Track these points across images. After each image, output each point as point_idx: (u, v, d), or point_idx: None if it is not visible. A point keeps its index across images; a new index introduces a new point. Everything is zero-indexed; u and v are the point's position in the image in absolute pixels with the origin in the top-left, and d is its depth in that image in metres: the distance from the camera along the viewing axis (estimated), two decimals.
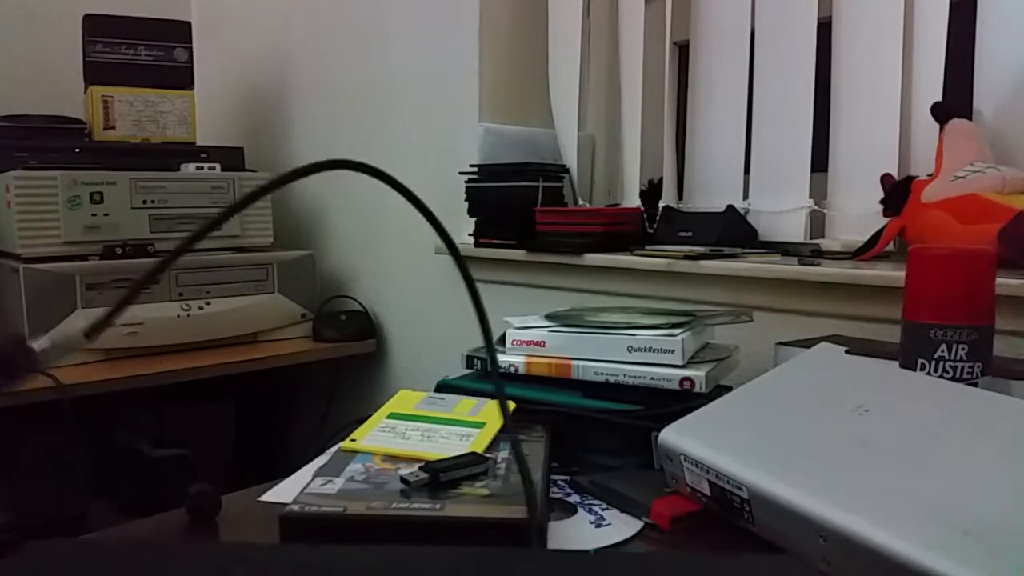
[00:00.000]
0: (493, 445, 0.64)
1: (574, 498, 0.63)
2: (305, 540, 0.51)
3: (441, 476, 0.56)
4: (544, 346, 0.78)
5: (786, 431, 0.54)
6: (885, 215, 1.00)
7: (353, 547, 0.36)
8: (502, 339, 0.82)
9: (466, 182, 1.37)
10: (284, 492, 0.65)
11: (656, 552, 0.51)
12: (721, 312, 0.85)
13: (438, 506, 0.52)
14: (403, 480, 0.56)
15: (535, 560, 0.35)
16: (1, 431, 1.59)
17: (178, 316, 1.47)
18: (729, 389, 0.69)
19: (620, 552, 0.51)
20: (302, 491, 0.55)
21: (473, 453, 0.59)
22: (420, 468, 0.56)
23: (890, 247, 1.01)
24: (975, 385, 0.60)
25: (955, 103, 0.99)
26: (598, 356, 0.75)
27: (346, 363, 1.74)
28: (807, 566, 0.36)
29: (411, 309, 1.61)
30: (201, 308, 1.49)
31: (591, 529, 0.57)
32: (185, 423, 1.94)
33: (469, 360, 0.81)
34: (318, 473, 0.58)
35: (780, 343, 0.81)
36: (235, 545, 0.36)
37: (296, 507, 0.52)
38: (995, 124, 0.98)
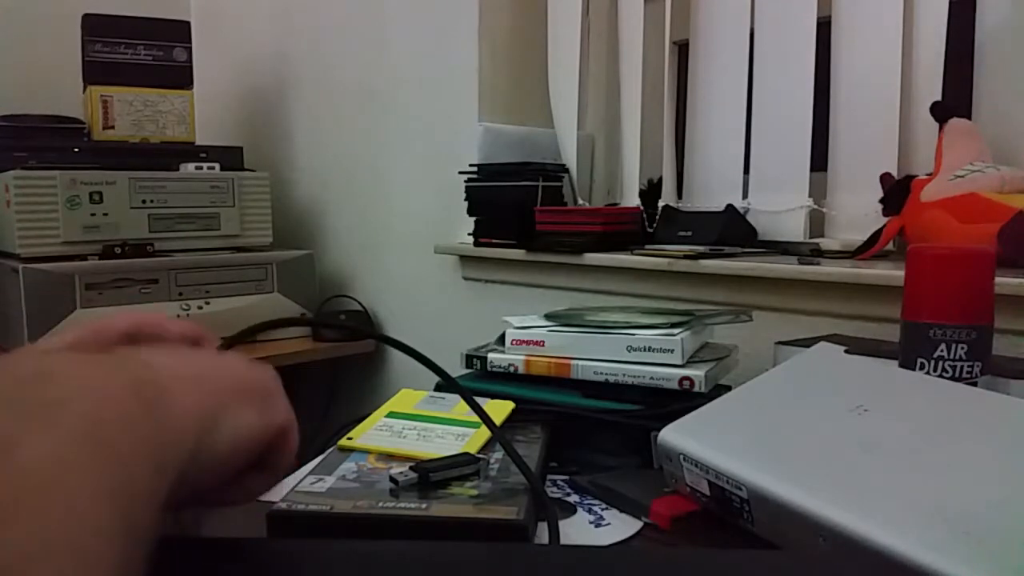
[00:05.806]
0: (488, 445, 0.63)
1: (573, 498, 0.63)
2: (291, 537, 0.51)
3: (431, 476, 0.55)
4: (543, 346, 0.78)
5: (785, 431, 0.54)
6: (884, 214, 1.00)
7: (349, 542, 0.36)
8: (501, 339, 0.82)
9: (465, 182, 1.37)
10: (282, 491, 0.65)
11: (665, 548, 0.51)
12: (721, 312, 0.85)
13: (424, 506, 0.52)
14: (392, 479, 0.56)
15: (526, 554, 0.35)
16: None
17: (177, 316, 1.47)
18: (728, 389, 0.69)
19: (626, 547, 0.51)
20: (292, 489, 0.54)
21: (466, 453, 0.59)
22: (410, 468, 0.56)
23: (889, 246, 1.01)
24: (974, 384, 0.60)
25: (955, 102, 0.99)
26: (597, 356, 0.75)
27: (346, 363, 1.74)
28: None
29: (411, 309, 1.61)
30: (200, 308, 1.49)
31: (591, 529, 0.57)
32: None
33: (468, 360, 0.81)
34: (311, 471, 0.58)
35: (779, 342, 0.81)
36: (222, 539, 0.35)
37: (283, 504, 0.52)
38: (995, 123, 0.98)
